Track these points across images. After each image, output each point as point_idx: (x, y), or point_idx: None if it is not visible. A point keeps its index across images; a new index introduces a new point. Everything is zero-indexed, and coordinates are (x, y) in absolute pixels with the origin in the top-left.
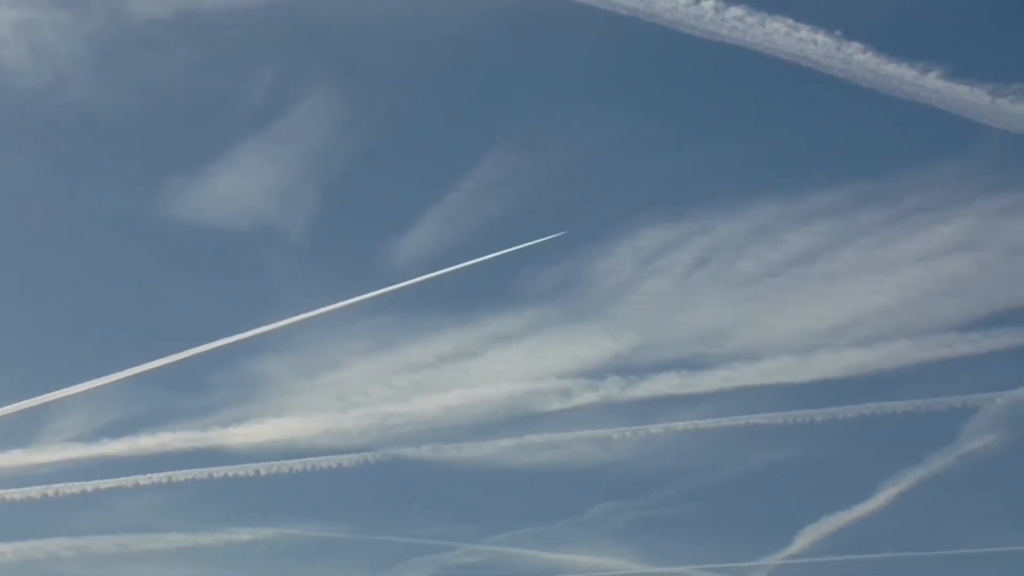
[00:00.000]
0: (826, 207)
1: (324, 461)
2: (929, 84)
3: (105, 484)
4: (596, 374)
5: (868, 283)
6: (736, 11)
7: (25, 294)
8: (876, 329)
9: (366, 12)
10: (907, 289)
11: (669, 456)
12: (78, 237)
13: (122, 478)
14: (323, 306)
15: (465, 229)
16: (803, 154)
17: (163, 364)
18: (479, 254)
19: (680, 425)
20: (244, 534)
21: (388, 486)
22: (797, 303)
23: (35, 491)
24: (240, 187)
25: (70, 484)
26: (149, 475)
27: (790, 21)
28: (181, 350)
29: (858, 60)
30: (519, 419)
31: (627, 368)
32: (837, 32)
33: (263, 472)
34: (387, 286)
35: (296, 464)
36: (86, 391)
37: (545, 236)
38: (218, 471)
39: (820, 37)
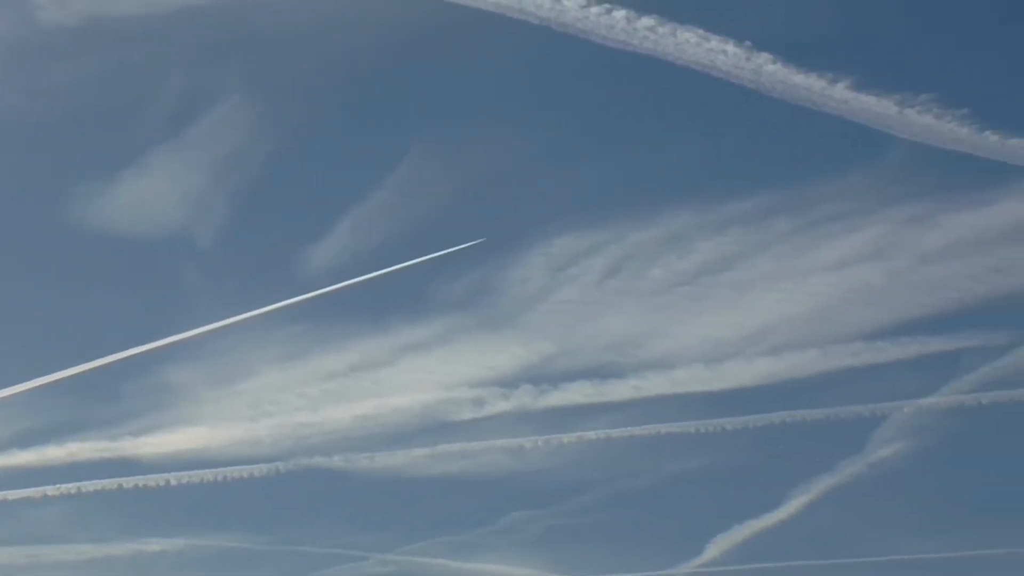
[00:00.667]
0: (737, 216)
1: (235, 471)
2: (838, 95)
3: (13, 495)
4: (509, 383)
5: (779, 292)
6: (648, 21)
7: None
8: (786, 338)
9: (278, 19)
10: (817, 298)
11: (582, 465)
12: None
13: (31, 489)
14: (235, 315)
15: (378, 237)
16: (714, 163)
17: (73, 373)
18: (391, 263)
19: (592, 434)
20: (154, 544)
21: (300, 496)
22: (708, 312)
23: None
24: (151, 194)
25: None
26: (58, 485)
27: (701, 31)
28: (91, 359)
29: (768, 70)
30: (432, 428)
31: (540, 377)
32: (747, 42)
33: (173, 482)
34: (300, 295)
35: (207, 474)
36: None
37: (459, 245)
38: (128, 481)
39: (730, 47)
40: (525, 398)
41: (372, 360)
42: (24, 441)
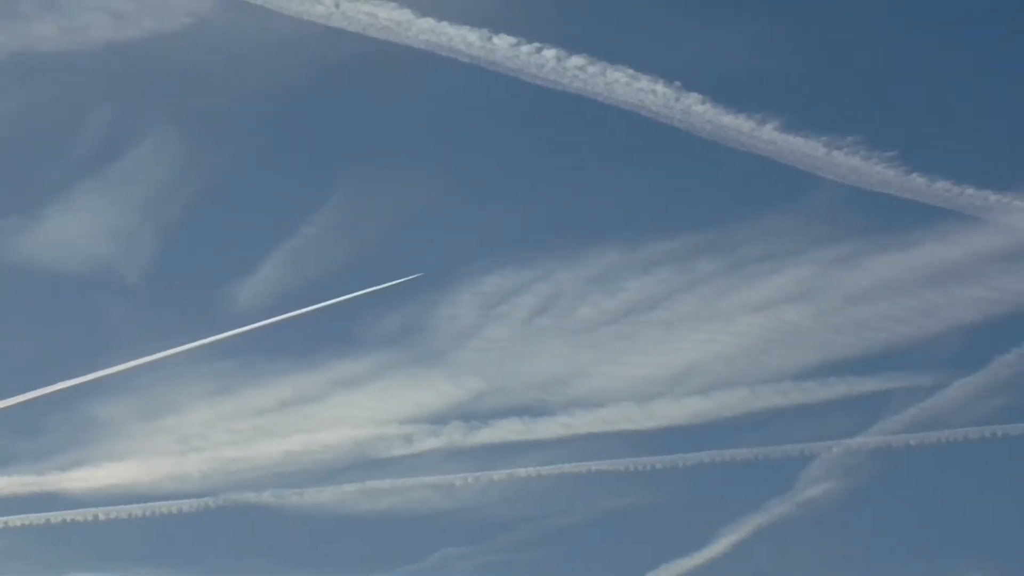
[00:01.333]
0: (665, 256)
1: (164, 506)
2: (766, 136)
3: None
4: (439, 420)
5: (706, 331)
6: (577, 60)
7: None
8: (714, 377)
9: (206, 56)
10: (744, 338)
11: (512, 502)
12: None
13: None
14: (163, 350)
15: (307, 273)
16: (642, 203)
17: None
18: (319, 299)
19: (522, 471)
20: None
21: (229, 532)
22: (637, 351)
23: None
24: (77, 230)
25: None
26: None
27: (630, 71)
28: (17, 394)
29: (697, 111)
30: (361, 465)
31: (470, 414)
32: (677, 83)
33: (101, 517)
34: (229, 330)
35: (135, 509)
36: None
37: (388, 282)
38: (55, 516)
39: (660, 87)
40: (455, 435)
41: (302, 396)
42: None
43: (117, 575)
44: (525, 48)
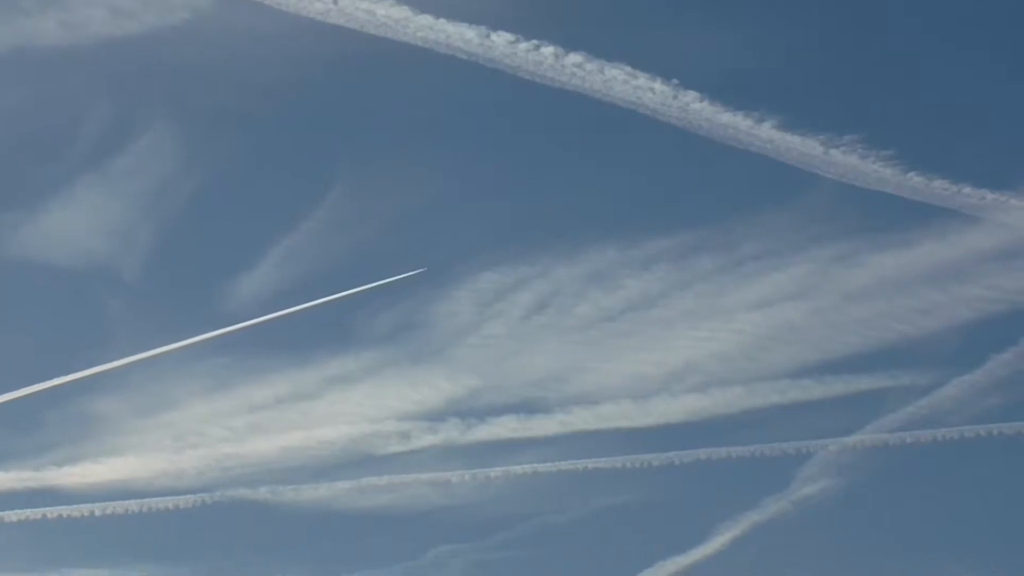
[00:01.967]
0: (663, 253)
1: (160, 502)
2: (764, 134)
3: None
4: (436, 417)
5: (704, 329)
6: (575, 58)
7: None
8: (712, 375)
9: (205, 52)
10: (743, 336)
11: (508, 499)
12: None
13: None
14: (161, 346)
15: (305, 270)
16: (641, 201)
17: None
18: (317, 295)
19: (519, 468)
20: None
21: (225, 528)
22: (635, 348)
23: None
24: (77, 225)
25: None
26: None
27: (628, 69)
28: (15, 388)
29: (695, 109)
30: (358, 461)
31: (467, 411)
32: (674, 81)
33: (98, 513)
34: (226, 326)
35: (132, 505)
36: None
37: (388, 278)
38: (52, 511)
39: (658, 85)
40: (452, 432)
41: (298, 392)
42: None
43: (113, 571)
44: (523, 45)
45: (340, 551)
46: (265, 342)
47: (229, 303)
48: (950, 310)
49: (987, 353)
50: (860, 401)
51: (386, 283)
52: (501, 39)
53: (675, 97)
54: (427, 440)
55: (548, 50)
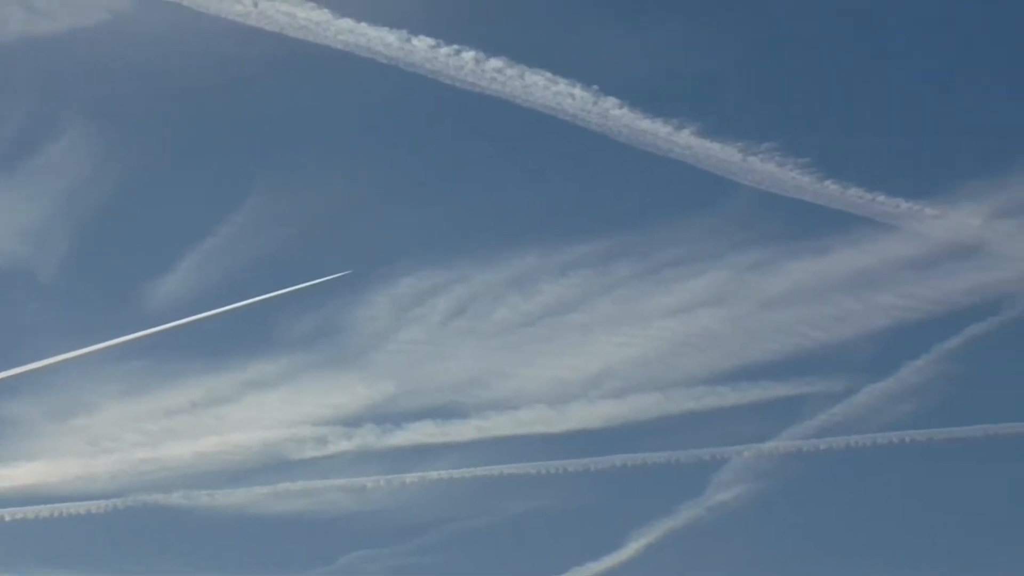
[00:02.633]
0: (582, 259)
1: (73, 507)
2: (683, 141)
3: None
4: (352, 422)
5: (622, 335)
6: (496, 63)
7: None
8: (629, 381)
9: (124, 53)
10: (659, 342)
11: (424, 505)
12: None
13: None
14: (75, 349)
15: (222, 273)
16: (560, 206)
17: None
18: (234, 299)
19: (435, 474)
20: None
21: (138, 533)
22: (552, 354)
23: None
24: None
25: None
26: None
27: (548, 74)
28: None
29: (614, 115)
30: (273, 466)
31: (383, 416)
32: (594, 87)
33: (8, 518)
34: (142, 330)
35: (43, 509)
36: None
37: (307, 281)
38: None
39: (577, 91)
40: (368, 437)
41: (215, 397)
42: None
43: None
44: (444, 50)
45: (255, 556)
46: (182, 345)
47: (146, 306)
48: (864, 317)
49: (900, 360)
50: (775, 408)
51: (310, 285)
52: (422, 43)
53: (595, 103)
54: (343, 445)
55: (469, 55)
